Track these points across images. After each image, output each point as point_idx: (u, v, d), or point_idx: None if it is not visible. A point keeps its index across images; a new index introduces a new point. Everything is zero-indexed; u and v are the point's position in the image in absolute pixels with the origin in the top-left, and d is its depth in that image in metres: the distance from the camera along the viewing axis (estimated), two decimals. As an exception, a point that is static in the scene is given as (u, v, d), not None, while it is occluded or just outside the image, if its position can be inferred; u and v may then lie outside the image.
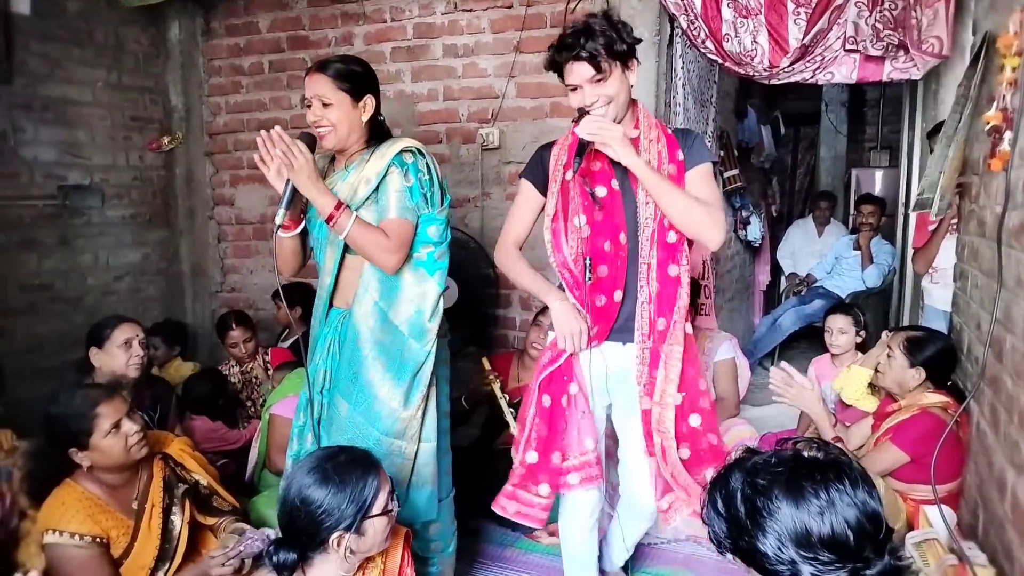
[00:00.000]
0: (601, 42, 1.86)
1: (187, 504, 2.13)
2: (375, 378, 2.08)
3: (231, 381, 3.74)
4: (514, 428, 2.91)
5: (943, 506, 2.04)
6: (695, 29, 3.16)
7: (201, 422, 3.30)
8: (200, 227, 4.42)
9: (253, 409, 3.63)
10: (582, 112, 1.92)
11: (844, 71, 3.03)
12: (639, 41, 1.99)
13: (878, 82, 3.10)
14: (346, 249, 2.11)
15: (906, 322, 3.82)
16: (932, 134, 3.06)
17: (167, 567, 2.04)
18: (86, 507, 1.95)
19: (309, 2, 3.99)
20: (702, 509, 1.21)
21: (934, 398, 2.38)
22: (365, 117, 2.08)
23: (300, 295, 3.96)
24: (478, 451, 3.23)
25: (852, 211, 6.04)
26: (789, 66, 3.06)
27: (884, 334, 2.87)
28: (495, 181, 3.73)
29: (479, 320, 3.77)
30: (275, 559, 1.67)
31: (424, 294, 2.10)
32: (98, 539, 1.94)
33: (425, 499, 2.20)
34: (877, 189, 6.28)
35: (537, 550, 2.88)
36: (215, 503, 2.25)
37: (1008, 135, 1.91)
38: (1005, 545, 1.82)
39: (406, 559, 1.90)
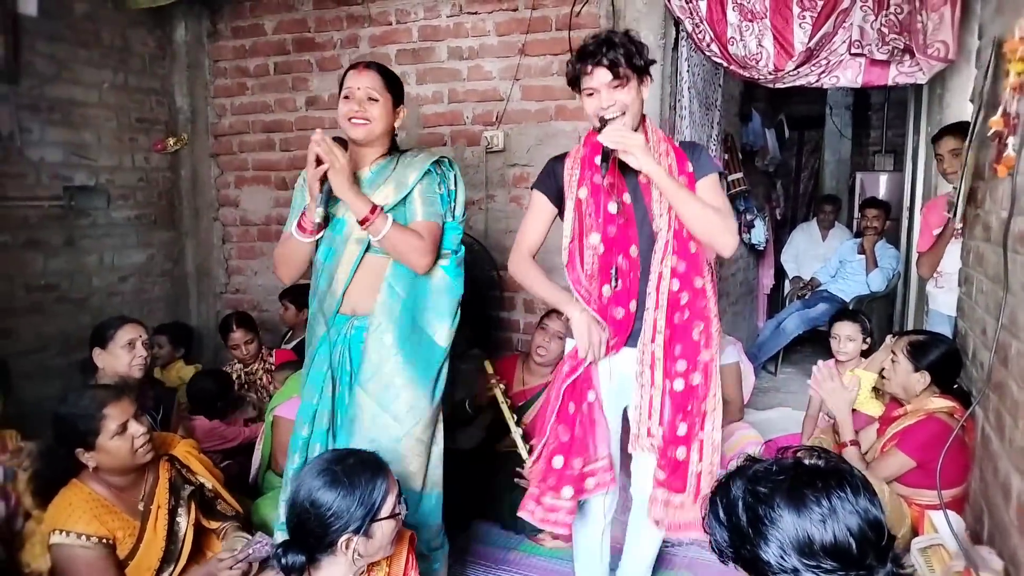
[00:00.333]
0: (621, 52, 1.94)
1: (192, 506, 2.13)
2: (405, 379, 2.10)
3: (233, 380, 3.76)
4: (515, 432, 2.92)
5: (952, 512, 2.04)
6: (700, 32, 3.16)
7: (200, 422, 3.31)
8: (205, 228, 4.43)
9: (256, 411, 3.64)
10: (603, 122, 1.97)
11: (849, 75, 3.03)
12: (654, 62, 2.08)
13: (883, 86, 3.10)
14: (365, 252, 2.13)
15: (910, 327, 3.81)
16: (937, 138, 3.05)
17: (172, 568, 2.05)
18: (92, 508, 1.95)
19: (315, 4, 4.00)
20: (703, 518, 1.22)
21: (940, 403, 2.38)
22: (398, 124, 2.18)
23: (307, 297, 3.98)
24: (482, 454, 3.24)
25: (856, 215, 6.05)
26: (794, 70, 3.05)
27: (888, 339, 2.87)
28: (499, 184, 3.73)
29: (483, 322, 3.77)
30: (283, 561, 1.67)
31: (450, 298, 2.17)
32: (104, 540, 1.94)
33: (434, 501, 2.22)
34: (881, 193, 6.28)
35: (540, 553, 2.88)
36: (219, 507, 2.26)
37: (1012, 140, 1.91)
38: (1011, 551, 1.82)
39: (411, 562, 1.90)
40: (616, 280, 2.07)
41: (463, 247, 2.24)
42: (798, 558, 1.07)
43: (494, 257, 3.74)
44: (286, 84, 4.15)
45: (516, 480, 2.99)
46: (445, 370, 2.18)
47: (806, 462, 1.15)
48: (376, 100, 2.09)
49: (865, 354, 3.16)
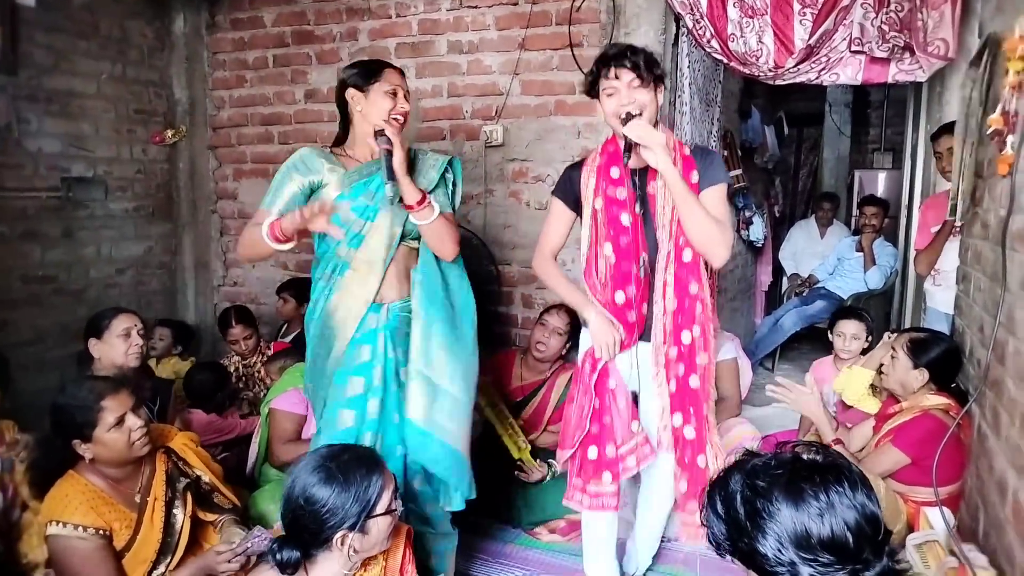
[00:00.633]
0: (642, 57, 2.10)
1: (189, 498, 2.13)
2: (451, 355, 2.23)
3: (231, 373, 3.76)
4: (528, 462, 3.01)
5: (947, 509, 2.05)
6: (700, 28, 3.15)
7: (196, 415, 3.31)
8: (203, 220, 4.42)
9: (251, 407, 3.64)
10: (628, 116, 2.08)
11: (849, 72, 3.03)
12: (666, 75, 2.27)
13: (883, 84, 3.09)
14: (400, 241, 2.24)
15: (908, 324, 3.82)
16: (936, 136, 3.06)
17: (169, 560, 2.05)
18: (89, 499, 1.95)
19: (314, -3, 3.99)
20: (701, 511, 1.22)
21: (936, 400, 2.39)
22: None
23: (307, 290, 3.97)
24: (480, 450, 3.23)
25: (855, 212, 6.05)
26: (794, 67, 3.05)
27: (886, 335, 2.88)
28: (498, 178, 3.73)
29: (481, 317, 3.75)
30: (278, 557, 1.67)
31: (467, 279, 2.37)
32: (101, 531, 1.94)
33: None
34: (880, 191, 6.29)
35: (537, 546, 2.89)
36: (215, 500, 2.26)
37: (1011, 139, 1.91)
38: (1006, 548, 1.82)
39: (407, 557, 1.91)
40: (644, 269, 2.21)
41: None
42: (795, 551, 1.07)
43: (492, 252, 3.74)
44: (285, 77, 4.14)
45: (516, 474, 3.01)
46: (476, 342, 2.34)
47: (804, 457, 1.16)
48: (408, 99, 2.23)
49: (863, 351, 3.17)
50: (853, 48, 2.93)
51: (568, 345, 3.30)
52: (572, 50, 3.43)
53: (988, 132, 2.05)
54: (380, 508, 1.70)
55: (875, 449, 2.48)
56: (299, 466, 1.74)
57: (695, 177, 2.19)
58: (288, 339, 3.95)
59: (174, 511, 2.09)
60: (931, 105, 3.50)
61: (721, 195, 2.21)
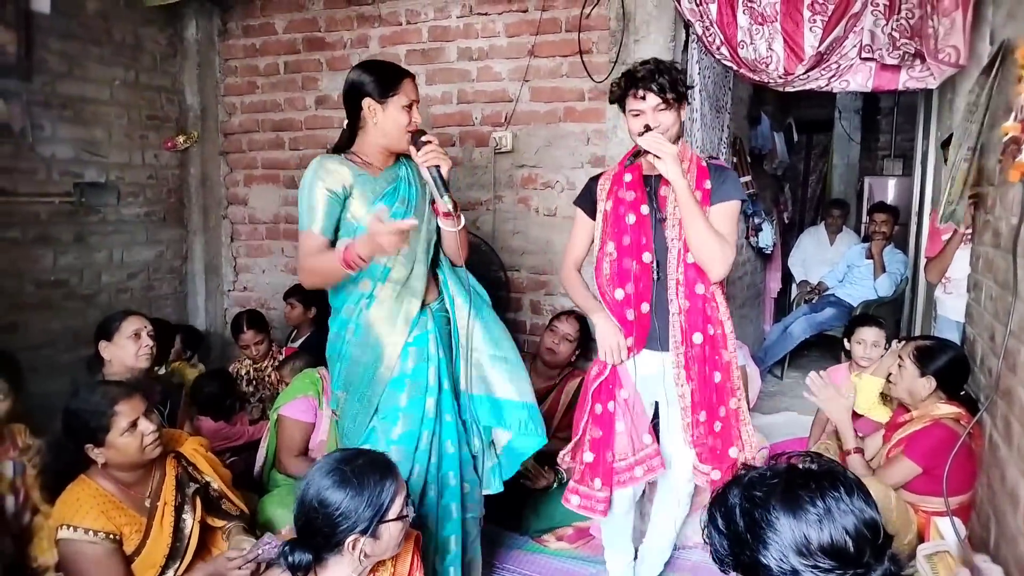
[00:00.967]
0: (667, 78, 2.15)
1: (198, 503, 2.14)
2: (495, 346, 2.35)
3: (242, 376, 3.77)
4: (535, 469, 3.02)
5: (958, 520, 2.03)
6: (710, 35, 3.15)
7: (205, 423, 3.32)
8: (214, 226, 4.44)
9: (262, 408, 3.66)
10: (647, 128, 2.14)
11: (860, 79, 3.02)
12: (692, 87, 2.26)
13: (893, 91, 3.08)
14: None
15: (918, 332, 3.80)
16: (946, 144, 3.04)
17: (178, 565, 2.05)
18: (100, 503, 1.96)
19: (325, 4, 4.01)
20: (703, 529, 1.23)
21: (946, 409, 2.37)
22: None
23: (315, 295, 3.99)
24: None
25: (865, 219, 6.02)
26: (804, 73, 3.05)
27: (894, 343, 2.86)
28: (507, 184, 3.73)
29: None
30: (290, 559, 1.68)
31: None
32: (111, 535, 1.95)
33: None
34: (890, 198, 6.25)
35: (544, 553, 2.89)
36: (224, 506, 2.26)
37: (1026, 147, 1.90)
38: (1018, 558, 1.81)
39: (415, 563, 1.91)
40: (657, 270, 2.25)
41: None
42: (796, 559, 1.08)
43: (501, 258, 3.74)
44: (296, 83, 4.16)
45: (522, 481, 3.00)
46: None
47: (799, 466, 1.16)
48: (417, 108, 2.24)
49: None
50: (863, 55, 2.92)
51: (577, 351, 3.30)
52: (582, 57, 3.44)
53: (1003, 139, 2.04)
54: (392, 513, 1.70)
55: (887, 459, 2.47)
56: (314, 469, 1.74)
57: (708, 184, 2.23)
58: (296, 344, 3.96)
59: (183, 516, 2.10)
60: (942, 112, 3.50)
61: (730, 213, 2.24)
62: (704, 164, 2.29)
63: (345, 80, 2.25)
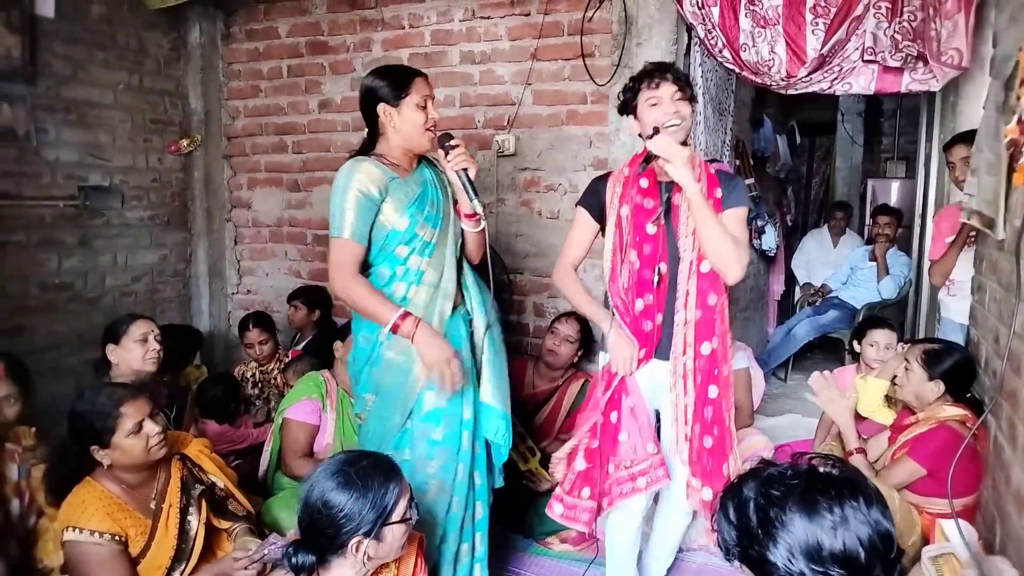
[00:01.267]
0: (680, 73, 2.19)
1: (203, 505, 2.14)
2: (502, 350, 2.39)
3: (247, 378, 3.78)
4: (539, 472, 3.03)
5: (964, 522, 2.03)
6: (712, 38, 3.16)
7: (209, 426, 3.33)
8: (217, 229, 4.45)
9: (267, 411, 3.66)
10: (656, 130, 2.10)
11: (862, 82, 3.02)
12: (695, 86, 2.28)
13: (896, 93, 3.09)
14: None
15: (922, 335, 3.80)
16: (949, 146, 3.04)
17: (183, 567, 2.06)
18: (105, 505, 1.97)
19: (328, 8, 4.02)
20: (712, 516, 1.22)
21: (952, 411, 2.37)
22: None
23: (318, 298, 4.01)
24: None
25: (868, 222, 6.02)
26: (806, 76, 3.05)
27: (899, 346, 2.86)
28: (510, 187, 3.74)
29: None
30: (293, 560, 1.68)
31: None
32: (117, 537, 1.95)
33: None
34: (893, 200, 6.26)
35: (548, 555, 2.89)
36: (230, 506, 2.26)
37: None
38: (1022, 559, 1.81)
39: (419, 565, 1.91)
40: (659, 277, 2.22)
41: None
42: (806, 563, 1.07)
43: (504, 261, 3.75)
44: (299, 87, 4.17)
45: (525, 483, 3.00)
46: None
47: (820, 469, 1.16)
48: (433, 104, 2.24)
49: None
50: (866, 57, 2.92)
51: (579, 353, 3.30)
52: (584, 60, 3.44)
53: (1005, 142, 2.04)
54: (396, 516, 1.71)
55: (891, 460, 2.46)
56: (318, 471, 1.75)
57: (719, 193, 2.22)
58: (300, 347, 3.96)
59: (189, 518, 2.10)
60: (944, 114, 3.50)
61: (741, 218, 2.25)
62: (713, 172, 2.27)
63: (359, 89, 2.27)
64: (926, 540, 2.23)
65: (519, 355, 3.70)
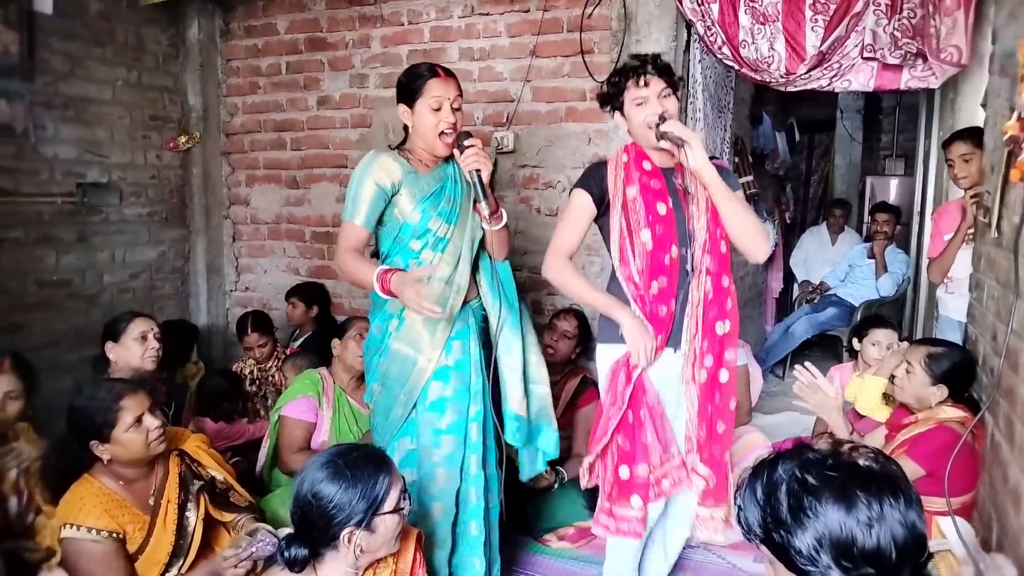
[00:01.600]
0: (664, 66, 2.14)
1: (202, 501, 2.14)
2: (523, 344, 2.37)
3: (246, 375, 3.78)
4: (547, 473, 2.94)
5: (961, 519, 2.03)
6: (712, 35, 3.16)
7: (206, 424, 3.32)
8: (215, 226, 4.45)
9: (264, 409, 3.66)
10: (662, 119, 2.08)
11: (861, 79, 3.02)
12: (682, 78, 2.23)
13: (895, 90, 3.08)
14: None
15: (920, 332, 3.80)
16: (948, 143, 3.04)
17: (181, 563, 2.05)
18: (103, 502, 1.96)
19: (327, 4, 4.02)
20: (736, 492, 1.19)
21: (952, 412, 2.35)
22: None
23: (317, 295, 4.00)
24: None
25: (866, 219, 6.02)
26: (806, 73, 3.05)
27: (898, 344, 2.85)
28: (509, 185, 3.74)
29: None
30: (286, 554, 1.68)
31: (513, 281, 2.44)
32: (114, 534, 1.95)
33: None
34: (892, 197, 6.25)
35: (547, 553, 2.89)
36: (232, 499, 2.26)
37: (1027, 145, 1.90)
38: (1020, 558, 1.81)
39: (418, 560, 1.91)
40: (691, 261, 2.17)
41: None
42: (832, 557, 1.04)
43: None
44: (298, 83, 4.17)
45: (523, 482, 3.00)
46: None
47: (861, 462, 1.12)
48: (459, 110, 2.22)
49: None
50: (865, 55, 2.93)
51: (578, 349, 3.30)
52: (583, 57, 3.44)
53: (1004, 139, 2.04)
54: (387, 506, 1.71)
55: (888, 458, 2.46)
56: (309, 464, 1.75)
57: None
58: (298, 343, 3.96)
59: (187, 514, 2.10)
60: (943, 112, 3.50)
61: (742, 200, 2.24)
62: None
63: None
64: (923, 537, 2.22)
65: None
